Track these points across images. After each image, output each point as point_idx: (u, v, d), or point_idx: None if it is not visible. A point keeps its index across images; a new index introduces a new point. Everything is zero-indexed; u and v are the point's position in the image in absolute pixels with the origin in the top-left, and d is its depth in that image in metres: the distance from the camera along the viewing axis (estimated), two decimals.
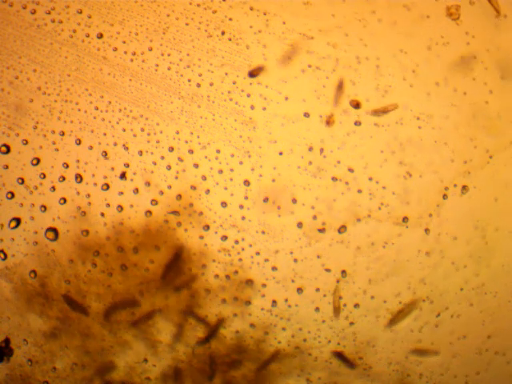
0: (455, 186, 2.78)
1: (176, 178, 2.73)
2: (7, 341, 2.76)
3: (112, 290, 2.74)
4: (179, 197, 2.73)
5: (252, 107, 2.73)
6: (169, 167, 2.73)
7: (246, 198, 2.75)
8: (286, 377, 2.83)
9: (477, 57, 2.79)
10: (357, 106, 2.75)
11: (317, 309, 2.79)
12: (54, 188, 2.72)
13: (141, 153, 2.73)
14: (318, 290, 2.79)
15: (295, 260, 2.77)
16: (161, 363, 2.80)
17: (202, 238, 2.74)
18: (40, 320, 2.75)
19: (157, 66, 2.74)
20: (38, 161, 2.73)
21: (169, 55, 2.74)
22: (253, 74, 2.70)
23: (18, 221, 2.72)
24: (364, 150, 2.76)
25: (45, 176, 2.73)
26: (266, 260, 2.77)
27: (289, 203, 2.75)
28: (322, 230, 2.76)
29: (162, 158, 2.73)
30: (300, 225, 2.76)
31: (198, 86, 2.73)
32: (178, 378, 2.82)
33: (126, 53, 2.74)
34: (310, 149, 2.75)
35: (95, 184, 2.73)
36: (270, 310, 2.78)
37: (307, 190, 2.75)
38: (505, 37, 2.81)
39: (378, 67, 2.75)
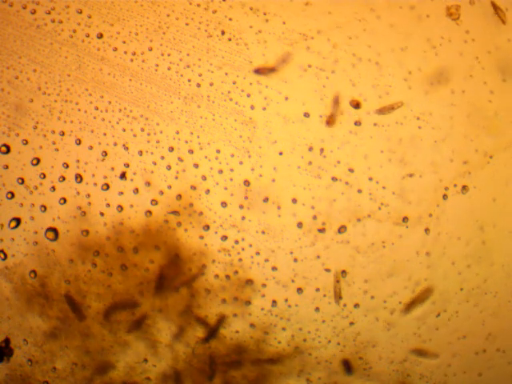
0: (455, 186, 2.78)
1: (176, 178, 2.73)
2: (7, 341, 2.76)
3: (112, 290, 2.74)
4: (179, 197, 2.73)
5: (252, 107, 2.73)
6: (169, 167, 2.73)
7: (246, 198, 2.75)
8: (286, 377, 2.83)
9: (477, 57, 2.79)
10: (357, 105, 2.75)
11: (317, 309, 2.79)
12: (53, 188, 2.72)
13: (141, 153, 2.73)
14: (317, 289, 2.79)
15: (295, 260, 2.77)
16: (161, 363, 2.80)
17: (202, 238, 2.74)
18: (40, 320, 2.75)
19: (157, 66, 2.74)
20: (38, 161, 2.73)
21: (169, 55, 2.74)
22: (260, 72, 2.70)
23: (18, 221, 2.72)
24: (364, 150, 2.76)
25: (45, 176, 2.73)
26: (266, 260, 2.77)
27: (289, 203, 2.75)
28: (321, 230, 2.76)
29: (162, 158, 2.73)
30: (300, 225, 2.76)
31: (198, 86, 2.74)
32: (178, 379, 2.82)
33: (126, 53, 2.74)
34: (310, 149, 2.75)
35: (95, 184, 2.73)
36: (270, 310, 2.78)
37: (307, 190, 2.75)
38: (505, 37, 2.81)
39: (377, 67, 2.75)
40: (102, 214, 2.72)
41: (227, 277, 2.75)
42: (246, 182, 2.74)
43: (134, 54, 2.74)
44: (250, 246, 2.76)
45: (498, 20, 2.81)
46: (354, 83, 2.75)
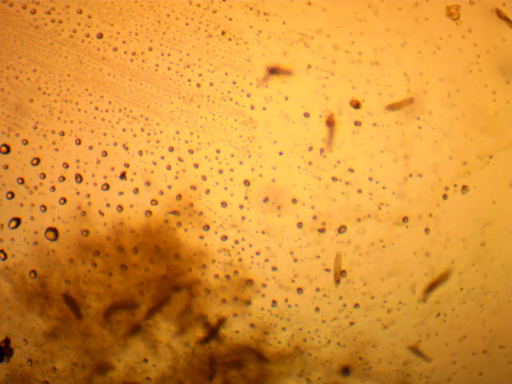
0: (455, 186, 2.78)
1: (176, 178, 2.73)
2: (7, 341, 2.76)
3: (112, 290, 2.74)
4: (179, 197, 2.73)
5: (252, 107, 2.73)
6: (169, 167, 2.73)
7: (246, 197, 2.75)
8: (286, 377, 2.83)
9: (477, 57, 2.79)
10: (357, 105, 2.75)
11: (317, 309, 2.79)
12: (53, 188, 2.72)
13: (141, 153, 2.73)
14: (318, 289, 2.79)
15: (295, 260, 2.77)
16: (161, 363, 2.80)
17: (202, 238, 2.74)
18: (40, 320, 2.75)
19: (157, 66, 2.74)
20: (38, 161, 2.73)
21: (169, 55, 2.74)
22: (275, 71, 2.70)
23: (17, 221, 2.72)
24: (364, 150, 2.76)
25: (45, 176, 2.73)
26: (266, 260, 2.77)
27: (289, 203, 2.75)
28: (321, 230, 2.76)
29: (162, 158, 2.73)
30: (300, 225, 2.76)
31: (198, 86, 2.73)
32: (178, 379, 2.82)
33: (126, 53, 2.74)
34: (310, 149, 2.75)
35: (95, 184, 2.73)
36: (269, 310, 2.78)
37: (307, 190, 2.75)
38: (505, 36, 2.81)
39: (378, 67, 2.75)
40: (102, 213, 2.72)
41: (227, 277, 2.75)
42: (246, 182, 2.74)
43: (134, 54, 2.74)
44: (250, 245, 2.76)
45: (498, 20, 2.81)
46: (354, 83, 2.75)
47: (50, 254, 2.72)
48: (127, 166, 2.74)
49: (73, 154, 2.73)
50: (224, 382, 2.82)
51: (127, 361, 2.79)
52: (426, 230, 2.78)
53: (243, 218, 2.75)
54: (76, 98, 2.73)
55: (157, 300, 2.73)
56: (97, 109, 2.73)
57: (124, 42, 2.74)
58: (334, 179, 2.75)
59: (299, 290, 2.78)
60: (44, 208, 2.72)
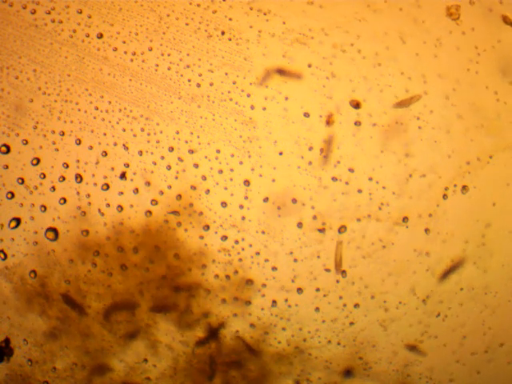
0: (455, 186, 2.78)
1: (176, 178, 2.73)
2: (7, 341, 2.76)
3: (112, 290, 2.74)
4: (179, 197, 2.73)
5: (252, 107, 2.73)
6: (169, 167, 2.73)
7: (246, 197, 2.75)
8: (286, 377, 2.83)
9: (477, 57, 2.79)
10: (357, 106, 2.75)
11: (317, 309, 2.79)
12: (53, 188, 2.72)
13: (141, 153, 2.73)
14: (318, 289, 2.79)
15: (295, 260, 2.77)
16: (161, 363, 2.80)
17: (202, 238, 2.74)
18: (40, 320, 2.75)
19: (157, 66, 2.74)
20: (38, 161, 2.73)
21: (169, 55, 2.74)
22: (283, 72, 2.70)
23: (18, 221, 2.72)
24: (364, 150, 2.76)
25: (45, 176, 2.73)
26: (266, 260, 2.77)
27: (289, 203, 2.75)
28: (321, 230, 2.76)
29: (162, 158, 2.73)
30: (300, 225, 2.76)
31: (198, 86, 2.73)
32: (178, 379, 2.82)
33: (126, 53, 2.74)
34: (310, 149, 2.75)
35: (95, 184, 2.73)
36: (270, 309, 2.78)
37: (307, 190, 2.75)
38: (505, 36, 2.81)
39: (377, 67, 2.75)
40: (102, 214, 2.72)
41: (227, 277, 2.75)
42: (246, 182, 2.74)
43: (134, 54, 2.74)
44: (250, 245, 2.76)
45: (498, 19, 2.81)
46: (354, 83, 2.75)
47: (50, 253, 2.72)
48: (127, 166, 2.74)
49: (73, 154, 2.73)
50: (224, 382, 2.82)
51: (127, 361, 2.79)
52: (426, 230, 2.78)
53: (243, 218, 2.75)
54: (76, 98, 2.73)
55: (159, 303, 2.74)
56: (97, 109, 2.73)
57: (124, 42, 2.74)
58: (334, 179, 2.75)
59: (299, 290, 2.78)
60: (44, 208, 2.72)
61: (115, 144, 2.73)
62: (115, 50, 2.74)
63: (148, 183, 2.73)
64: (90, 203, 2.73)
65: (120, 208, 2.72)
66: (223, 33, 2.74)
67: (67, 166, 2.73)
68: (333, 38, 2.75)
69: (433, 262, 2.80)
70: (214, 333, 2.78)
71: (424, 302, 2.82)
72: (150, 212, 2.72)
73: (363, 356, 2.84)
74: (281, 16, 2.74)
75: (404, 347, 2.85)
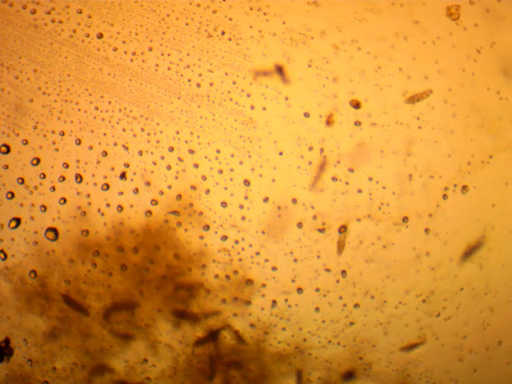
0: (455, 186, 2.78)
1: (176, 178, 2.73)
2: (7, 341, 2.76)
3: (112, 290, 2.74)
4: (179, 197, 2.73)
5: (252, 107, 2.73)
6: (169, 167, 2.73)
7: (246, 197, 2.75)
8: (286, 377, 2.83)
9: (477, 56, 2.79)
10: (357, 106, 2.75)
11: (317, 309, 2.79)
12: (53, 188, 2.72)
13: (141, 153, 2.73)
14: (317, 289, 2.79)
15: (295, 260, 2.77)
16: (161, 363, 2.80)
17: (202, 238, 2.74)
18: (40, 320, 2.75)
19: (157, 66, 2.74)
20: (38, 161, 2.73)
21: (169, 55, 2.74)
22: (282, 72, 2.70)
23: (17, 221, 2.72)
24: (364, 150, 2.76)
25: (45, 176, 2.73)
26: (266, 260, 2.77)
27: (289, 203, 2.75)
28: (321, 230, 2.76)
29: (162, 158, 2.73)
30: (300, 225, 2.76)
31: (198, 86, 2.73)
32: (178, 379, 2.82)
33: (126, 53, 2.74)
34: (310, 149, 2.75)
35: (95, 184, 2.73)
36: (270, 309, 2.78)
37: (307, 190, 2.75)
38: (505, 37, 2.81)
39: (378, 67, 2.75)
40: (102, 214, 2.72)
41: (227, 277, 2.75)
42: (246, 182, 2.74)
43: (134, 54, 2.74)
44: (250, 245, 2.76)
45: (498, 19, 2.81)
46: (354, 83, 2.75)
47: (49, 254, 2.72)
48: (127, 166, 2.74)
49: (73, 154, 2.73)
50: (224, 382, 2.82)
51: (127, 361, 2.79)
52: (426, 230, 2.78)
53: (243, 218, 2.75)
54: (76, 98, 2.73)
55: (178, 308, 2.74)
56: (97, 109, 2.73)
57: (124, 42, 2.74)
58: (334, 179, 2.75)
59: (299, 290, 2.78)
60: (44, 208, 2.72)
61: (115, 144, 2.73)
62: (115, 50, 2.74)
63: (148, 183, 2.73)
64: (89, 203, 2.73)
65: (120, 208, 2.72)
66: (223, 33, 2.74)
67: (67, 166, 2.73)
68: (333, 38, 2.75)
69: (433, 262, 2.80)
70: (213, 333, 2.78)
71: (424, 301, 2.82)
72: (150, 212, 2.72)
73: (363, 356, 2.84)
74: (281, 16, 2.74)
75: (404, 347, 2.85)
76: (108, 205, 2.72)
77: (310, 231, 2.76)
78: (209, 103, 2.73)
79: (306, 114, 2.74)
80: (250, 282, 2.76)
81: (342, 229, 2.76)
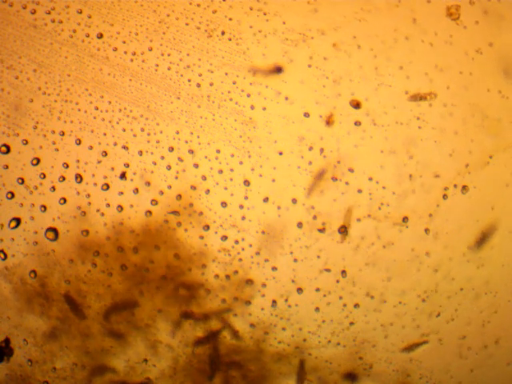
0: (455, 186, 2.78)
1: (176, 178, 2.73)
2: (7, 341, 2.76)
3: (112, 290, 2.74)
4: (179, 197, 2.73)
5: (252, 107, 2.73)
6: (169, 167, 2.73)
7: (246, 198, 2.75)
8: (285, 377, 2.83)
9: (477, 57, 2.79)
10: (357, 105, 2.75)
11: (317, 309, 2.79)
12: (53, 188, 2.72)
13: (141, 153, 2.73)
14: (318, 289, 2.79)
15: (295, 260, 2.77)
16: (161, 363, 2.80)
17: (202, 238, 2.74)
18: (40, 320, 2.75)
19: (157, 66, 2.74)
20: (38, 161, 2.73)
21: (169, 55, 2.74)
22: (281, 71, 2.70)
23: (18, 221, 2.72)
24: (364, 150, 2.76)
25: (45, 176, 2.73)
26: (266, 260, 2.77)
27: (289, 203, 2.75)
28: (321, 230, 2.76)
29: (162, 158, 2.73)
30: (300, 225, 2.76)
31: (198, 86, 2.73)
32: (178, 379, 2.82)
33: (126, 53, 2.74)
34: (310, 149, 2.75)
35: (95, 184, 2.73)
36: (269, 309, 2.78)
37: (307, 190, 2.75)
38: (505, 37, 2.81)
39: (378, 67, 2.75)
40: (102, 214, 2.72)
41: (227, 277, 2.75)
42: (246, 182, 2.74)
43: (134, 54, 2.74)
44: (250, 246, 2.76)
45: (498, 19, 2.81)
46: (354, 83, 2.75)
47: (50, 254, 2.72)
48: (127, 166, 2.74)
49: (73, 154, 2.73)
50: (224, 382, 2.82)
51: (127, 361, 2.79)
52: (426, 230, 2.78)
53: (243, 217, 2.75)
54: (76, 98, 2.73)
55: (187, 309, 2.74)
56: (97, 109, 2.73)
57: (124, 42, 2.74)
58: (334, 179, 2.75)
59: (299, 290, 2.78)
60: (44, 208, 2.72)
61: (115, 144, 2.73)
62: (115, 50, 2.74)
63: (148, 183, 2.73)
64: (89, 203, 2.73)
65: (120, 208, 2.72)
66: (223, 33, 2.74)
67: (67, 166, 2.73)
68: (333, 38, 2.75)
69: (433, 262, 2.80)
70: (213, 333, 2.78)
71: (424, 301, 2.82)
72: (150, 212, 2.72)
73: (363, 356, 2.84)
74: (281, 16, 2.74)
75: (404, 347, 2.85)
76: (108, 205, 2.72)
77: (310, 231, 2.76)
78: (209, 103, 2.73)
79: (306, 114, 2.74)
80: (250, 281, 2.76)
81: (342, 228, 2.76)
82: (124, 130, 2.73)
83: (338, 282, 2.78)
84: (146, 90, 2.73)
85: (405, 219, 2.77)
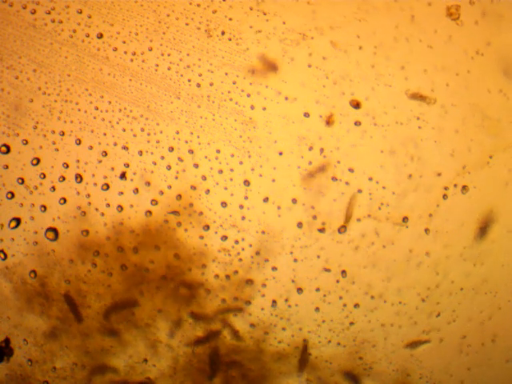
0: (455, 186, 2.79)
1: (176, 178, 2.73)
2: (7, 341, 2.76)
3: (112, 290, 2.74)
4: (179, 197, 2.73)
5: (252, 107, 2.73)
6: (169, 167, 2.73)
7: (246, 198, 2.75)
8: (286, 377, 2.83)
9: (477, 57, 2.79)
10: (357, 106, 2.75)
11: (317, 309, 2.79)
12: (53, 188, 2.72)
13: (141, 153, 2.73)
14: (318, 289, 2.79)
15: (295, 260, 2.77)
16: (161, 363, 2.80)
17: (202, 238, 2.74)
18: (40, 320, 2.75)
19: (157, 66, 2.74)
20: (38, 161, 2.73)
21: (169, 55, 2.74)
22: (274, 67, 2.71)
23: (18, 221, 2.72)
24: (364, 150, 2.76)
25: (45, 176, 2.73)
26: (266, 260, 2.77)
27: (289, 203, 2.75)
28: (321, 230, 2.76)
29: (162, 158, 2.73)
30: (300, 225, 2.76)
31: (198, 86, 2.73)
32: (178, 379, 2.83)
33: (126, 53, 2.74)
34: (310, 149, 2.75)
35: (95, 184, 2.73)
36: (270, 309, 2.78)
37: (307, 190, 2.75)
38: (505, 37, 2.81)
39: (378, 67, 2.75)
40: (102, 214, 2.72)
41: (227, 277, 2.75)
42: (246, 182, 2.74)
43: (134, 54, 2.74)
44: (250, 245, 2.76)
45: (498, 19, 2.81)
46: (354, 83, 2.75)
47: (50, 254, 2.73)
48: (127, 166, 2.74)
49: (73, 154, 2.73)
50: (224, 382, 2.82)
51: (127, 361, 2.79)
52: (426, 230, 2.78)
53: (243, 217, 2.75)
54: (76, 98, 2.73)
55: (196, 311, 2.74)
56: (97, 109, 2.73)
57: (124, 42, 2.74)
58: (334, 179, 2.75)
59: (299, 290, 2.78)
60: (44, 208, 2.72)
61: (115, 144, 2.73)
62: (115, 50, 2.74)
63: (148, 183, 2.73)
64: (89, 203, 2.73)
65: (120, 208, 2.72)
66: (223, 33, 2.74)
67: (67, 166, 2.73)
68: (333, 38, 2.75)
69: (433, 262, 2.80)
70: (213, 333, 2.78)
71: (424, 301, 2.82)
72: (150, 212, 2.72)
73: (363, 356, 2.84)
74: (281, 16, 2.74)
75: (404, 347, 2.85)
76: (108, 205, 2.73)
77: (310, 231, 2.76)
78: (209, 103, 2.73)
79: (306, 114, 2.74)
80: (250, 281, 2.76)
81: (342, 228, 2.76)
82: (124, 130, 2.73)
83: (337, 281, 2.78)
84: (146, 90, 2.73)
85: (405, 219, 2.77)
